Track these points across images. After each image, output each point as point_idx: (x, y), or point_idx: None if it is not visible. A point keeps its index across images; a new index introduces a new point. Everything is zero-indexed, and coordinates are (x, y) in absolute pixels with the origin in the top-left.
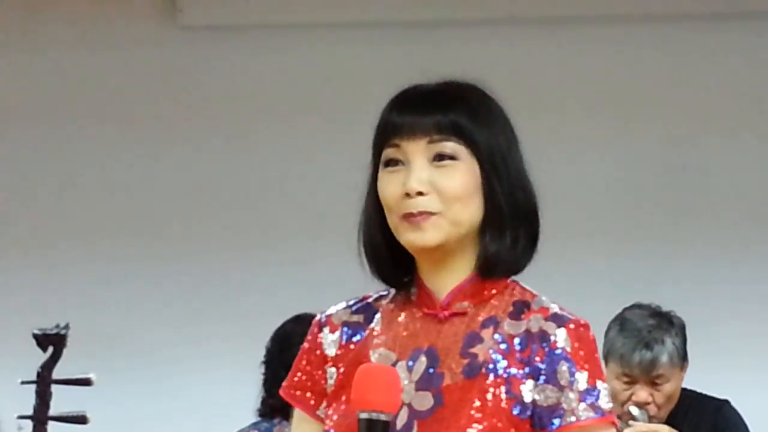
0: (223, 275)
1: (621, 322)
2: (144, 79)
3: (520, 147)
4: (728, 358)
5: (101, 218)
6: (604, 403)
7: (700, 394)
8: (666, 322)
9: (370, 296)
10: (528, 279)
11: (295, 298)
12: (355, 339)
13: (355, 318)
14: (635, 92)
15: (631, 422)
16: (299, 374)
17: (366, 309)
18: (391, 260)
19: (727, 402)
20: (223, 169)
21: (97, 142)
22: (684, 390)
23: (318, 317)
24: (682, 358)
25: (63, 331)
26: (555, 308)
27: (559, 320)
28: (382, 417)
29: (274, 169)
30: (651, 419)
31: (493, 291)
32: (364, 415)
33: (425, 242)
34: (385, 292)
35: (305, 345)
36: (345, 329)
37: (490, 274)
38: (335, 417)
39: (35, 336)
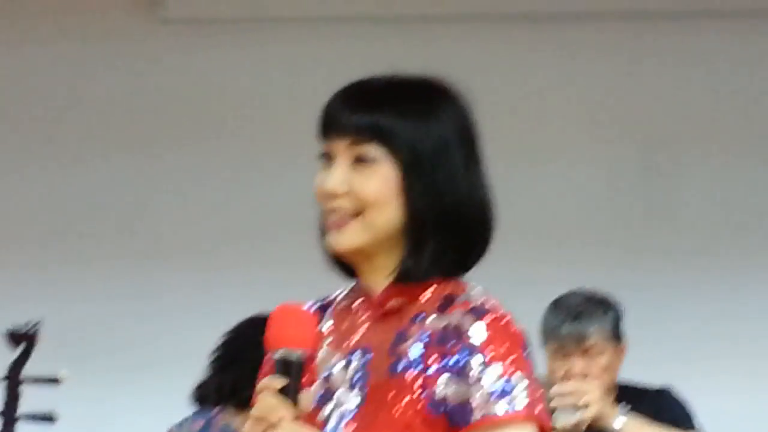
0: (198, 273)
1: (555, 302)
2: (124, 73)
3: (466, 153)
4: (700, 360)
5: (72, 216)
6: (521, 397)
7: (638, 387)
8: (598, 300)
9: (330, 295)
10: (498, 283)
11: (269, 298)
12: None
13: (331, 298)
14: (610, 96)
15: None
16: None
17: (322, 309)
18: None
19: (667, 389)
20: (205, 165)
21: (74, 138)
22: (621, 385)
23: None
24: (615, 335)
25: (34, 329)
26: (478, 301)
27: (476, 313)
28: (298, 355)
29: (257, 164)
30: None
31: (426, 287)
32: (277, 355)
33: (339, 246)
34: (343, 291)
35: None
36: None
37: (408, 281)
38: None
39: (6, 333)
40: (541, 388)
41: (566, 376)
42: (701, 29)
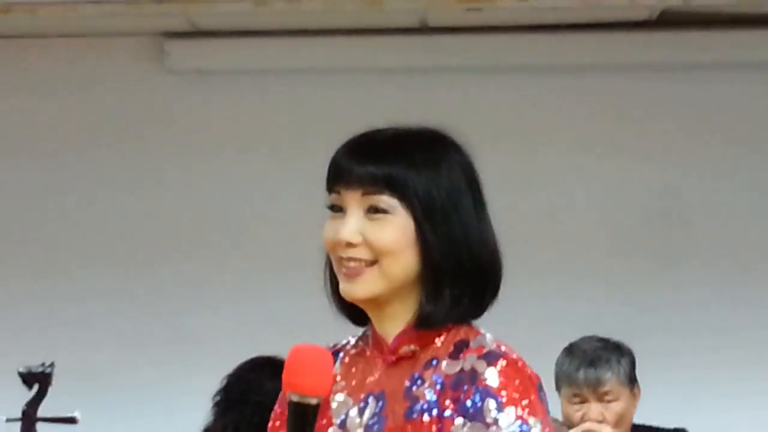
0: (207, 312)
1: (569, 348)
2: (131, 118)
3: (474, 201)
4: (716, 400)
5: (85, 255)
6: None
7: (656, 427)
8: (612, 346)
9: (340, 342)
10: (504, 321)
11: (276, 334)
12: None
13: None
14: (621, 140)
15: None
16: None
17: (334, 354)
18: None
19: (681, 430)
20: (205, 205)
21: (84, 178)
22: (639, 425)
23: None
24: (629, 379)
25: (48, 369)
26: (491, 346)
27: (490, 358)
28: (311, 401)
29: (256, 205)
30: None
31: (439, 333)
32: (294, 398)
33: (356, 295)
34: (353, 338)
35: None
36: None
37: (426, 328)
38: None
39: (21, 374)
40: (554, 430)
41: (583, 421)
42: (712, 78)
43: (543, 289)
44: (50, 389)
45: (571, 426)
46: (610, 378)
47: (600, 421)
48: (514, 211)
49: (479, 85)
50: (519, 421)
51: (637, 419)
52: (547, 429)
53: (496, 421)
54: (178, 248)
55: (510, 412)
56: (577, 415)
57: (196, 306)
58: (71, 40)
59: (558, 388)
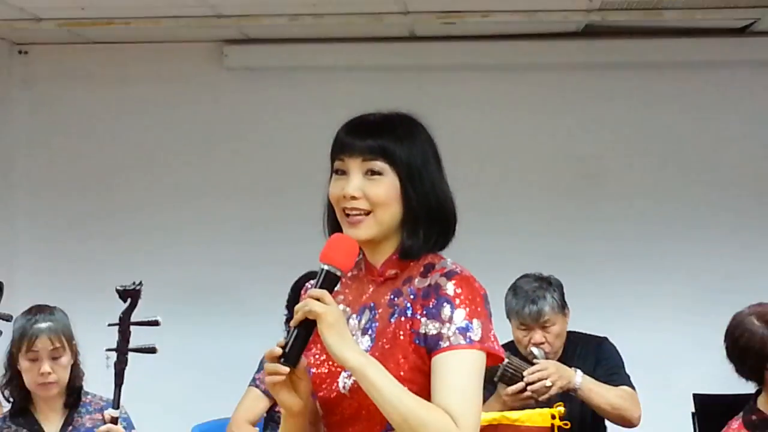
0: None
1: (514, 288)
2: (199, 104)
3: (437, 165)
4: (626, 309)
5: (167, 202)
6: (475, 334)
7: (585, 333)
8: (546, 283)
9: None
10: (471, 250)
11: None
12: None
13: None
14: (556, 120)
15: (534, 360)
16: None
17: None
18: None
19: (606, 338)
20: (252, 170)
21: (165, 150)
22: (572, 331)
23: (306, 285)
24: (561, 306)
25: (138, 287)
26: (450, 267)
27: (449, 275)
28: (337, 272)
29: (300, 184)
30: (547, 354)
31: (415, 261)
32: (324, 267)
33: (358, 237)
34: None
35: None
36: None
37: (407, 258)
38: (311, 359)
39: (117, 291)
40: (492, 329)
41: (530, 343)
42: (615, 76)
43: (503, 228)
44: (139, 302)
45: (520, 345)
46: (548, 311)
47: (541, 343)
48: (483, 172)
49: (454, 80)
50: (466, 321)
51: (570, 328)
52: (485, 327)
53: (450, 319)
54: (237, 200)
55: (460, 313)
56: (525, 339)
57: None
58: (156, 45)
59: (509, 319)
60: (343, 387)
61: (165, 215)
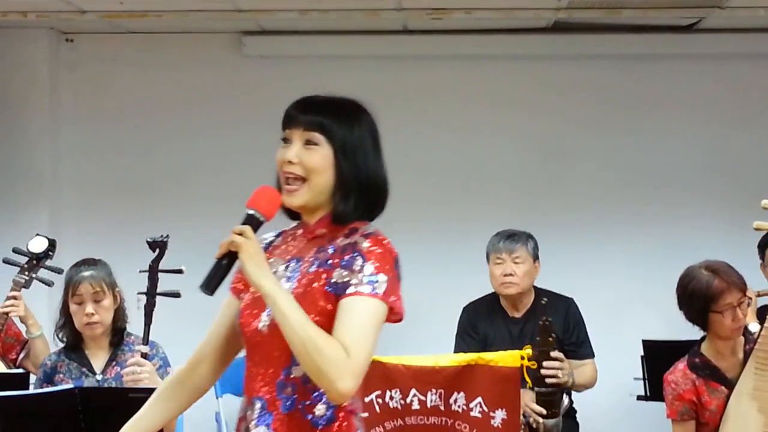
0: None
1: (496, 233)
2: (220, 88)
3: (374, 148)
4: (576, 263)
5: (183, 185)
6: (380, 288)
7: (552, 291)
8: (523, 232)
9: (285, 229)
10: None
11: None
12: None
13: (270, 239)
14: (528, 105)
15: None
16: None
17: (276, 235)
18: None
19: (572, 300)
20: (270, 154)
21: (189, 131)
22: (541, 288)
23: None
24: (533, 254)
25: (165, 239)
26: (370, 231)
27: (368, 236)
28: (261, 218)
29: None
30: (514, 287)
31: (343, 228)
32: (249, 211)
33: (291, 204)
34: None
35: None
36: (264, 245)
37: (338, 224)
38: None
39: (148, 242)
40: (398, 290)
41: (502, 275)
42: (581, 66)
43: (481, 196)
44: (166, 252)
45: (494, 280)
46: (521, 247)
47: (511, 274)
48: (465, 147)
49: (441, 68)
50: (374, 274)
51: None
52: (392, 284)
53: (360, 270)
54: (252, 171)
55: (369, 267)
56: (498, 271)
57: None
58: (184, 35)
59: (488, 261)
60: (263, 326)
61: (189, 184)
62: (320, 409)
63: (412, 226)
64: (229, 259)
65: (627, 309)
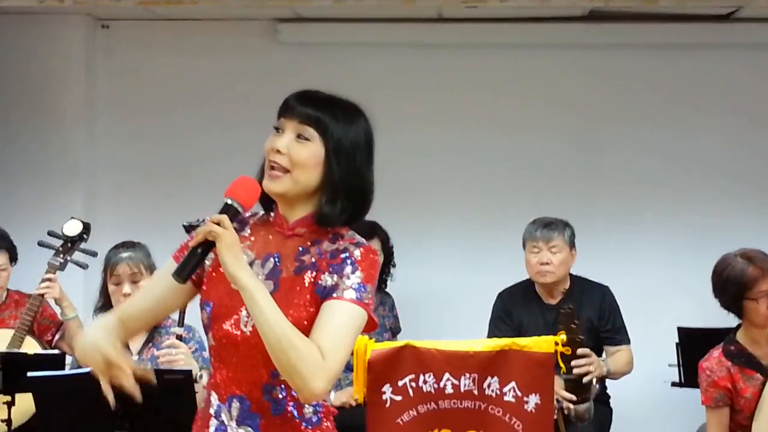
0: None
1: (533, 221)
2: (255, 74)
3: (367, 154)
4: (613, 251)
5: (215, 170)
6: (365, 297)
7: (588, 279)
8: (560, 221)
9: (248, 215)
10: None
11: None
12: None
13: (234, 226)
14: (563, 97)
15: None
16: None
17: (241, 222)
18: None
19: (608, 288)
20: None
21: (217, 118)
22: (577, 276)
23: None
24: (570, 243)
25: (201, 222)
26: (359, 239)
27: (358, 244)
28: (239, 208)
29: None
30: (549, 275)
31: (326, 232)
32: (227, 200)
33: (270, 189)
34: (257, 213)
35: None
36: None
37: (322, 225)
38: (210, 287)
39: (184, 226)
40: (374, 300)
41: (538, 264)
42: (617, 56)
43: (521, 186)
44: None
45: (530, 268)
46: (557, 236)
47: (547, 263)
48: (500, 136)
49: (476, 56)
50: (361, 283)
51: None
52: (373, 297)
53: (348, 276)
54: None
55: (358, 275)
56: (534, 260)
57: None
58: (219, 22)
59: (524, 248)
60: (245, 327)
61: (223, 170)
62: (308, 410)
63: (451, 212)
64: (204, 248)
65: (662, 296)
